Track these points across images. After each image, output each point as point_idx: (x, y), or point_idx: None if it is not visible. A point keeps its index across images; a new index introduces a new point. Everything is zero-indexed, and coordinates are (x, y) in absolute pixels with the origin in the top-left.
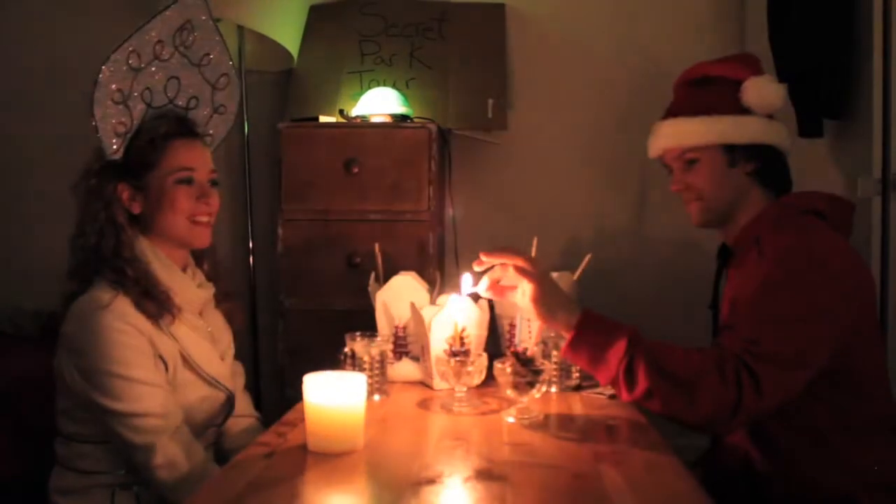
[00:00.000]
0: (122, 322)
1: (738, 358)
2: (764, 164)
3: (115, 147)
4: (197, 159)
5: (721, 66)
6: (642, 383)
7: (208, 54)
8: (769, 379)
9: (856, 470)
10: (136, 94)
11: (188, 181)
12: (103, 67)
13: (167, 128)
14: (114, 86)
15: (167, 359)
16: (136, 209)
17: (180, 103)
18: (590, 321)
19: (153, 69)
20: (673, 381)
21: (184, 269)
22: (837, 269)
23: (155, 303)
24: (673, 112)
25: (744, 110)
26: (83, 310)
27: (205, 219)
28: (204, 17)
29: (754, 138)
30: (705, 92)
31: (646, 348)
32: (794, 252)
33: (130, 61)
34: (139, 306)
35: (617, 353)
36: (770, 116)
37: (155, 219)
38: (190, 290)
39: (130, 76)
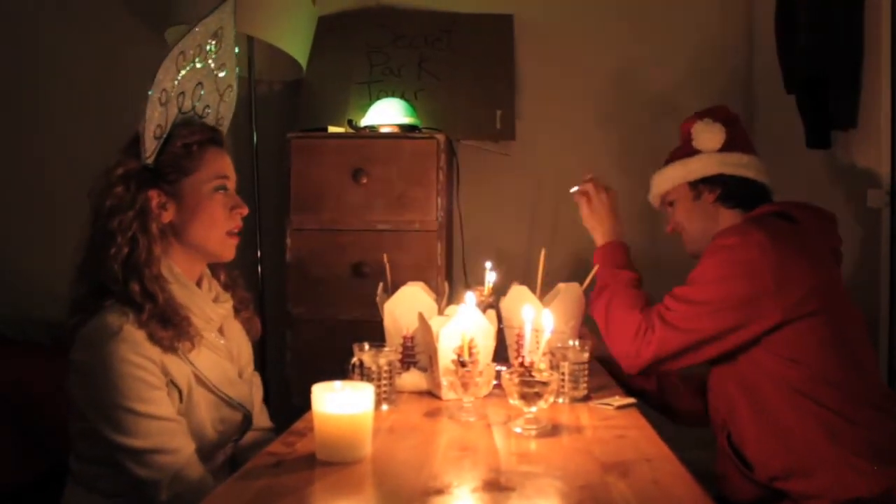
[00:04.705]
0: (134, 353)
1: (651, 316)
2: (724, 190)
3: (151, 150)
4: (229, 168)
5: (685, 122)
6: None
7: (224, 64)
8: (661, 330)
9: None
10: (173, 97)
11: (224, 189)
12: (162, 65)
13: (201, 135)
14: (164, 86)
15: (180, 384)
16: (166, 218)
17: (198, 111)
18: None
19: (189, 73)
20: (608, 317)
21: (198, 283)
22: (755, 248)
23: (174, 330)
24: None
25: (695, 151)
26: (94, 338)
27: (237, 231)
28: (231, 27)
29: (707, 171)
30: (676, 147)
31: (616, 290)
32: (722, 237)
33: (178, 63)
34: (153, 337)
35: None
36: (730, 150)
37: (187, 229)
38: (208, 308)
39: (175, 78)
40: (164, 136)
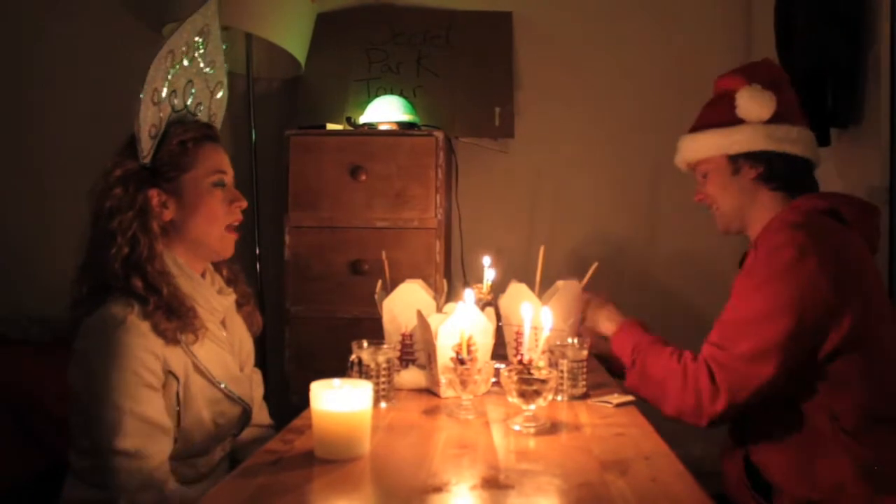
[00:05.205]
0: (137, 345)
1: (705, 362)
2: (767, 168)
3: (147, 150)
4: (226, 163)
5: (726, 78)
6: (630, 379)
7: (213, 61)
8: (724, 381)
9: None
10: (165, 95)
11: (222, 184)
12: (152, 65)
13: (196, 132)
14: (155, 86)
15: (178, 374)
16: (167, 216)
17: (191, 108)
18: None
19: (179, 72)
20: (649, 383)
21: (202, 275)
22: (813, 270)
23: (179, 322)
24: (691, 129)
25: (739, 120)
26: (98, 327)
27: (237, 225)
28: (216, 25)
29: (751, 146)
30: (710, 108)
31: (645, 351)
32: (776, 252)
33: (168, 62)
34: (157, 328)
35: (626, 353)
36: (778, 122)
37: (188, 225)
38: (213, 299)
39: (165, 77)
40: (160, 135)
